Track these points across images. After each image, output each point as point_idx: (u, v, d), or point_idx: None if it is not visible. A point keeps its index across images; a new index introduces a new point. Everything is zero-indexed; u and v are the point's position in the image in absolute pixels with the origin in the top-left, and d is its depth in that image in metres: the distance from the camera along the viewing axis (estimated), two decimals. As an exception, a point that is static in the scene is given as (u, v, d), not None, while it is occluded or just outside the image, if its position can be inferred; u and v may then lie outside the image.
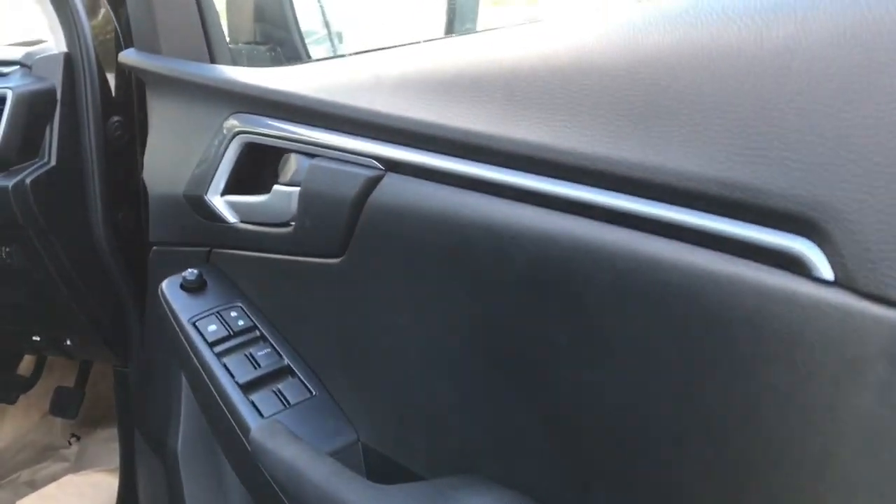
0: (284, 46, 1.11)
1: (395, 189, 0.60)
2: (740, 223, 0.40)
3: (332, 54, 1.29)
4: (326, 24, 1.27)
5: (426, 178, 0.58)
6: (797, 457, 0.38)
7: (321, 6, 1.26)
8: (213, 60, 0.91)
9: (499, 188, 0.52)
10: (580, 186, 0.47)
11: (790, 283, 0.38)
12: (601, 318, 0.46)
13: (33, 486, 1.41)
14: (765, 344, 0.38)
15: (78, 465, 1.47)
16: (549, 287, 0.49)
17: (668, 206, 0.43)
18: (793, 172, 0.37)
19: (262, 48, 1.08)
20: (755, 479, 0.40)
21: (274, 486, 0.65)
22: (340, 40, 1.32)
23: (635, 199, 0.44)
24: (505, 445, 0.56)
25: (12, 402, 1.47)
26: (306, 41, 1.20)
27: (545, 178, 0.49)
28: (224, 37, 0.94)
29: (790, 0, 0.41)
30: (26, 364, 1.52)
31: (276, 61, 1.14)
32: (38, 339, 1.21)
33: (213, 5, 0.93)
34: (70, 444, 1.53)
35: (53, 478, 1.39)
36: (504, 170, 0.52)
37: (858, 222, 0.35)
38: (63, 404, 1.48)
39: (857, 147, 0.36)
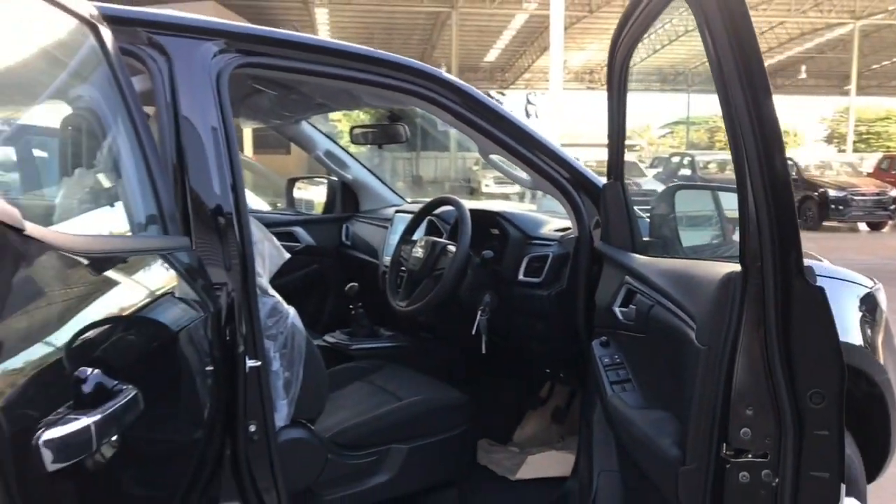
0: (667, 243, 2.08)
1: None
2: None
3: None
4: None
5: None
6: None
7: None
8: (633, 250, 1.94)
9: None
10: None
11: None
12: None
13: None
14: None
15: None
16: None
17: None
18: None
19: (657, 241, 2.06)
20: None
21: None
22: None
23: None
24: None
25: (535, 408, 2.70)
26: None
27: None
28: (641, 236, 1.97)
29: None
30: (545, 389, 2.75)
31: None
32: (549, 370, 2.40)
33: (635, 217, 1.97)
34: (561, 440, 2.68)
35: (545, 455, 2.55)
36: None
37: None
38: (559, 416, 2.65)
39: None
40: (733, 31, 1.16)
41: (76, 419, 0.84)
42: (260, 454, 1.66)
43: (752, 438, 1.21)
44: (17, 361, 0.86)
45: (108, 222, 1.59)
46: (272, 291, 1.87)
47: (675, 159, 18.11)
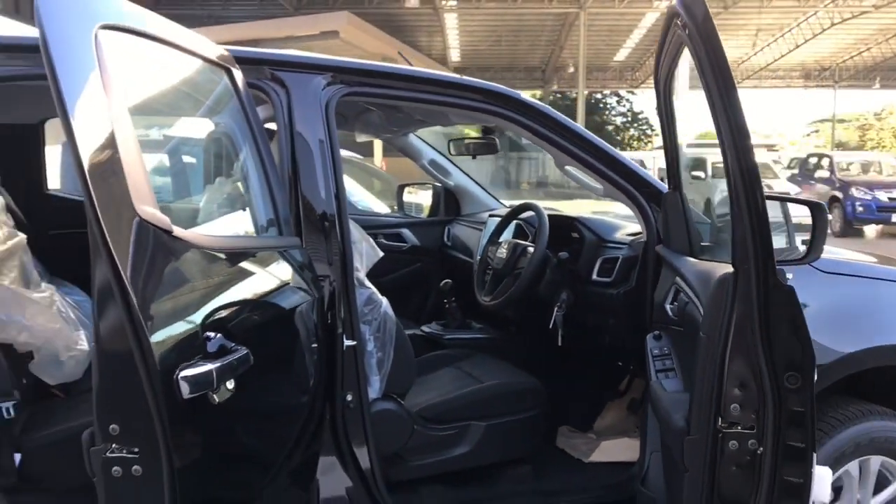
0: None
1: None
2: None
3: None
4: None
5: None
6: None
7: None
8: (691, 254, 2.12)
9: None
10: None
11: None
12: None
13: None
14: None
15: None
16: None
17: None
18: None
19: (714, 245, 2.22)
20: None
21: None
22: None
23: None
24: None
25: (613, 399, 2.90)
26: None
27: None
28: (700, 238, 2.15)
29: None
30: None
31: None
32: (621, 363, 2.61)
33: (693, 223, 2.15)
34: (636, 430, 2.87)
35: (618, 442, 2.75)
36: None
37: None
38: (634, 407, 2.85)
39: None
40: (722, 80, 1.42)
41: (203, 365, 1.20)
42: (355, 420, 2.00)
43: (741, 413, 1.41)
44: (166, 327, 1.23)
45: (238, 224, 1.99)
46: (368, 284, 2.21)
47: (813, 160, 17.23)
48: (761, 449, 1.38)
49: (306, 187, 1.96)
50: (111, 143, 1.12)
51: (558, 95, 41.18)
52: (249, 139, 1.82)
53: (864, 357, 2.32)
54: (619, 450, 2.65)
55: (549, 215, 2.68)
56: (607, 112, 45.70)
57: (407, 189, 4.13)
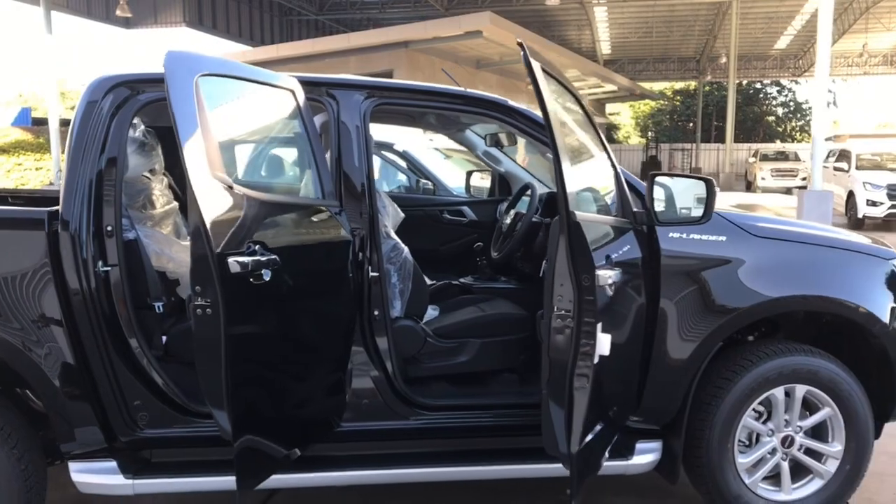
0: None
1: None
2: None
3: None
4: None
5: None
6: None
7: None
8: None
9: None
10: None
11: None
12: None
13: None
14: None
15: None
16: None
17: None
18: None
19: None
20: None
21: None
22: None
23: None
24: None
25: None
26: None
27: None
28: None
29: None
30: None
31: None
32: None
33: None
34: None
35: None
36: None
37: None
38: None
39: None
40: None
41: (244, 257, 2.19)
42: (380, 329, 2.92)
43: (563, 304, 2.21)
44: (226, 239, 2.23)
45: (302, 193, 2.97)
46: (394, 236, 3.15)
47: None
48: (573, 325, 2.17)
49: (346, 168, 2.90)
50: (199, 139, 2.15)
51: (714, 86, 39.95)
52: (305, 136, 2.81)
53: (785, 302, 2.99)
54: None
55: (548, 192, 3.49)
56: (767, 103, 43.69)
57: (473, 175, 5.03)
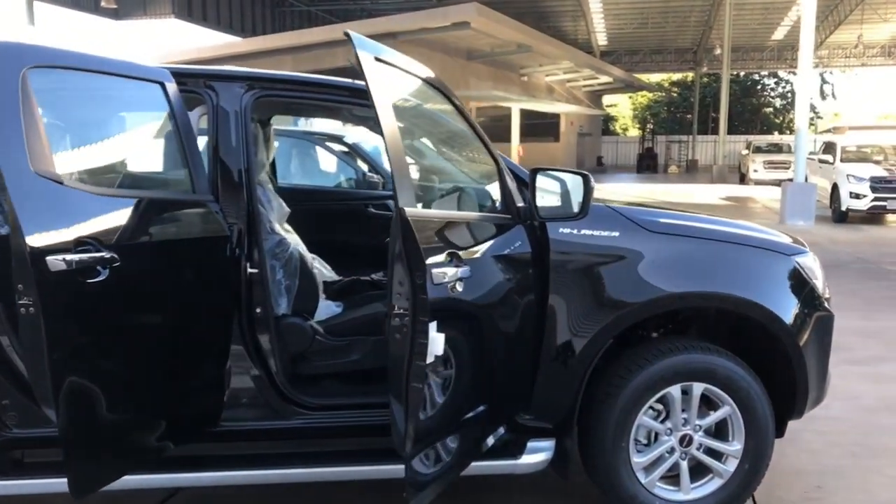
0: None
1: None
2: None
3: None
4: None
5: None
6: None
7: None
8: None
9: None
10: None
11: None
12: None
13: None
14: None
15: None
16: None
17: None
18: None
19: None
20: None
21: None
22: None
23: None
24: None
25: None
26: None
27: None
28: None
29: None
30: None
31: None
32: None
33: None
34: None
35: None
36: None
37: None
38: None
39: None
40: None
41: (68, 252, 2.11)
42: (263, 327, 2.84)
43: (401, 302, 2.15)
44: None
45: (170, 188, 2.88)
46: (279, 230, 3.07)
47: None
48: (409, 321, 2.11)
49: (224, 160, 2.82)
50: (20, 133, 2.08)
51: (711, 77, 39.73)
52: (174, 129, 2.72)
53: (680, 298, 2.92)
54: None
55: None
56: (765, 94, 43.41)
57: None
